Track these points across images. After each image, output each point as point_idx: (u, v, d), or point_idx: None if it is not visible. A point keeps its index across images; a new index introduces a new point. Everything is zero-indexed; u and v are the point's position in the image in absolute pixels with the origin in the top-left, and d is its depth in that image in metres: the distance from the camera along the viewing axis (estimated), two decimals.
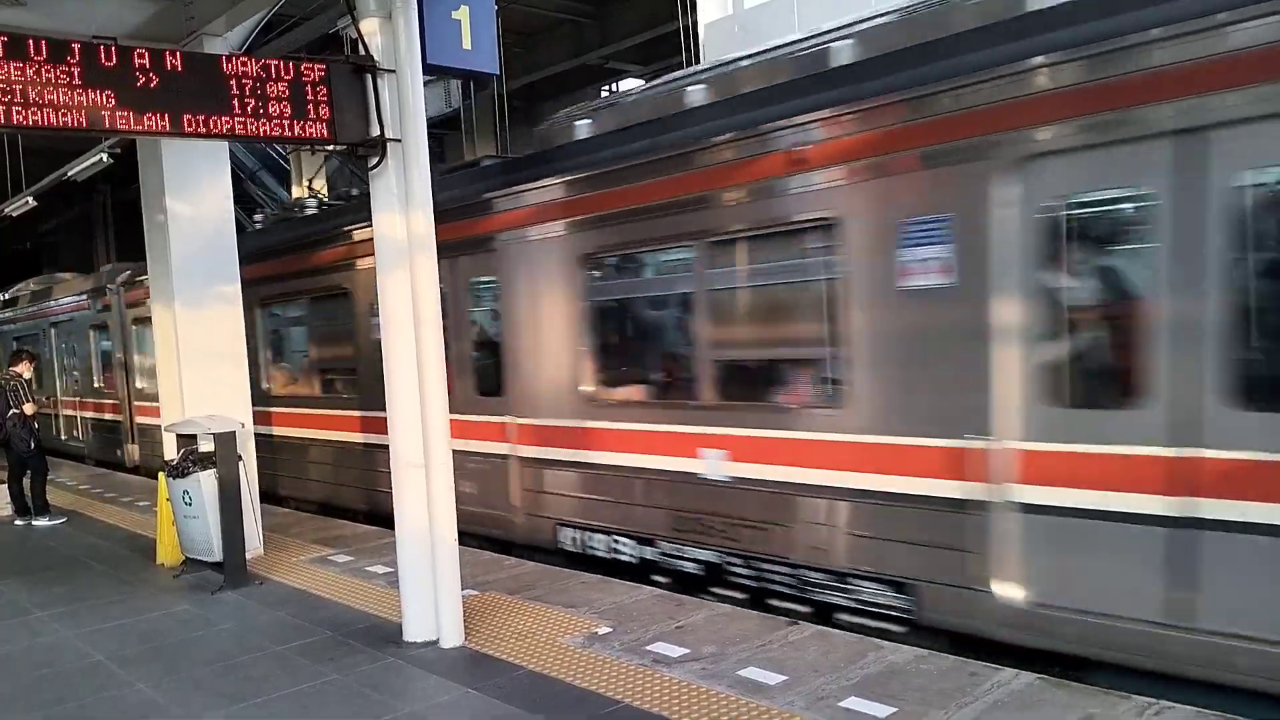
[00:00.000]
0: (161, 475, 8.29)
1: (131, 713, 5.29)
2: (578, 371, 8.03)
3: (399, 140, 5.87)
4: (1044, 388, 5.29)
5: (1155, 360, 4.88)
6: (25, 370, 11.39)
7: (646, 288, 8.08)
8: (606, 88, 24.00)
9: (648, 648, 5.73)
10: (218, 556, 7.72)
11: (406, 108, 5.84)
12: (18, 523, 11.25)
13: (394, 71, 5.84)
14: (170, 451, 8.34)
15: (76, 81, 5.02)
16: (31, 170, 17.94)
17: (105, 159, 12.30)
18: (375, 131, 5.91)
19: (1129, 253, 5.17)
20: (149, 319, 9.76)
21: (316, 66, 5.81)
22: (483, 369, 9.08)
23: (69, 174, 13.59)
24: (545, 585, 7.26)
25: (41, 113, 4.95)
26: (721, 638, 5.83)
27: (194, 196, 8.46)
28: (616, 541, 7.82)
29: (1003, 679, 4.94)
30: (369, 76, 5.90)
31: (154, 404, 12.34)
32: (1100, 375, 5.36)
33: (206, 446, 7.78)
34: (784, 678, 5.13)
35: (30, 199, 16.56)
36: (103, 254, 30.26)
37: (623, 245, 7.67)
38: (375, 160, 5.94)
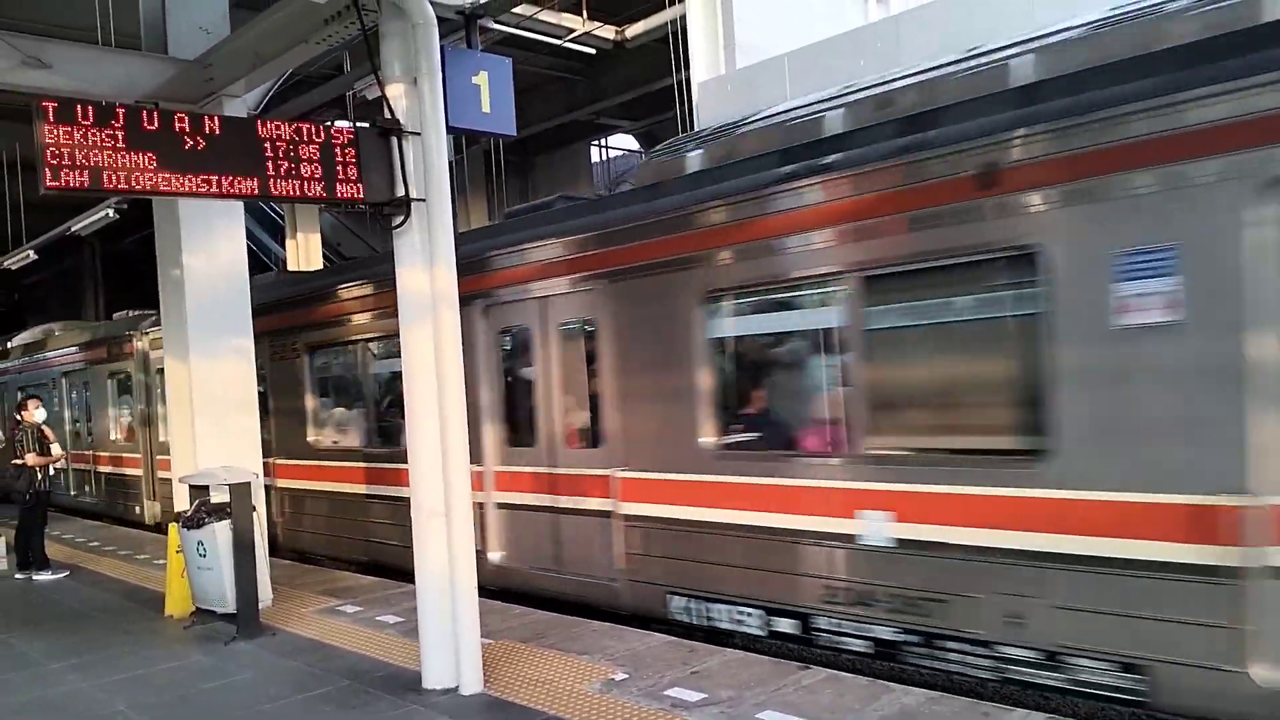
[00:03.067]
0: (173, 526, 8.37)
1: None
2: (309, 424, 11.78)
3: (423, 200, 6.11)
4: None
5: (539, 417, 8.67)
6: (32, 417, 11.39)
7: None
8: (597, 143, 24.46)
9: (665, 693, 5.86)
10: (230, 607, 7.79)
11: (431, 168, 6.08)
12: (18, 576, 11.24)
13: (419, 134, 6.09)
14: (182, 503, 8.44)
15: (120, 144, 5.23)
16: (29, 225, 18.08)
17: (111, 214, 12.46)
18: (400, 191, 6.13)
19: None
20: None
21: (345, 129, 6.05)
22: None
23: (73, 229, 13.75)
24: (557, 633, 7.37)
25: (88, 175, 5.15)
26: (737, 682, 5.96)
27: (210, 251, 8.67)
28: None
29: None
30: (395, 139, 6.14)
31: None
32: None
33: (219, 497, 7.89)
34: None
35: (31, 253, 16.69)
36: (91, 306, 30.30)
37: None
38: (400, 219, 6.17)
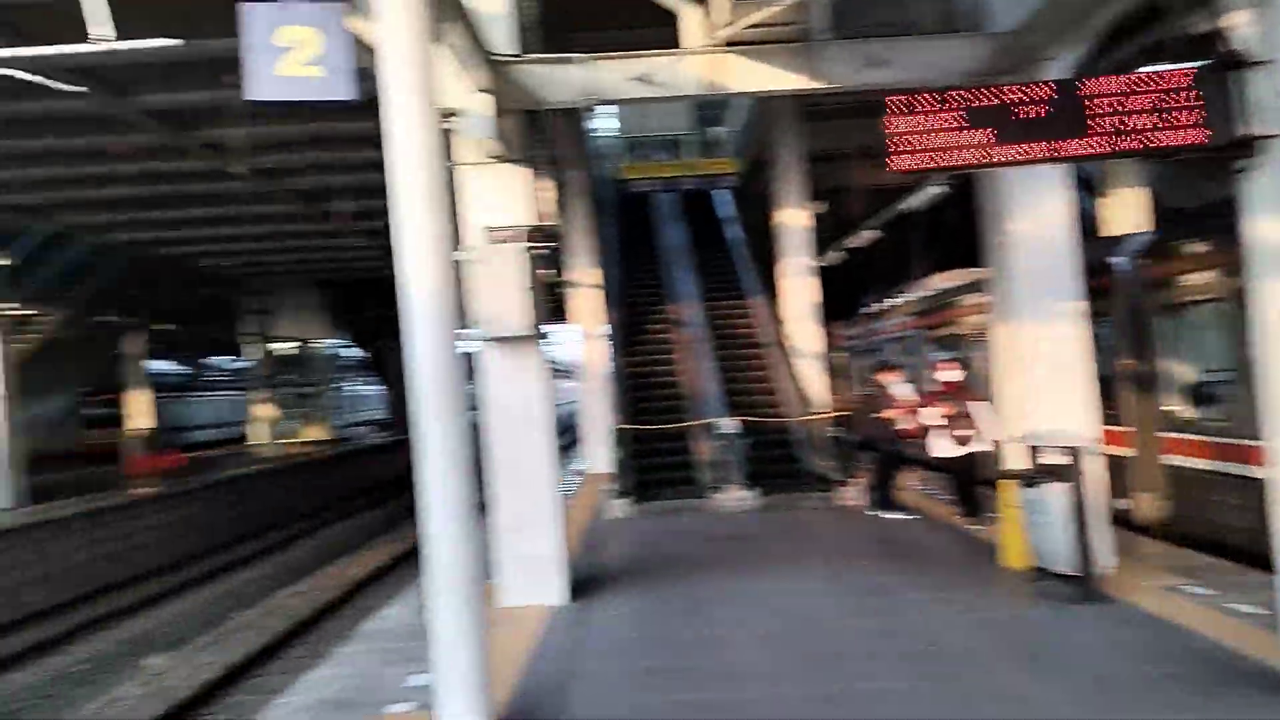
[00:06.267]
0: (1007, 484, 8.74)
1: (1009, 699, 5.81)
2: None
3: (1275, 136, 5.36)
4: None
5: None
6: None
7: None
8: None
9: None
10: (1064, 568, 7.85)
11: None
12: (867, 513, 13.04)
13: (1273, 62, 5.36)
14: (1017, 462, 8.70)
15: (956, 125, 5.62)
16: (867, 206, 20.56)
17: (946, 188, 13.43)
18: (1243, 130, 5.48)
19: None
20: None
21: (1179, 71, 5.62)
22: None
23: (910, 205, 15.16)
24: None
25: (927, 156, 5.65)
26: None
27: (1033, 216, 8.77)
28: None
29: None
30: (1235, 72, 5.50)
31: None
32: None
33: (1053, 459, 7.98)
34: None
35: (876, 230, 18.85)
36: (914, 272, 33.22)
37: None
38: (1245, 161, 5.51)
